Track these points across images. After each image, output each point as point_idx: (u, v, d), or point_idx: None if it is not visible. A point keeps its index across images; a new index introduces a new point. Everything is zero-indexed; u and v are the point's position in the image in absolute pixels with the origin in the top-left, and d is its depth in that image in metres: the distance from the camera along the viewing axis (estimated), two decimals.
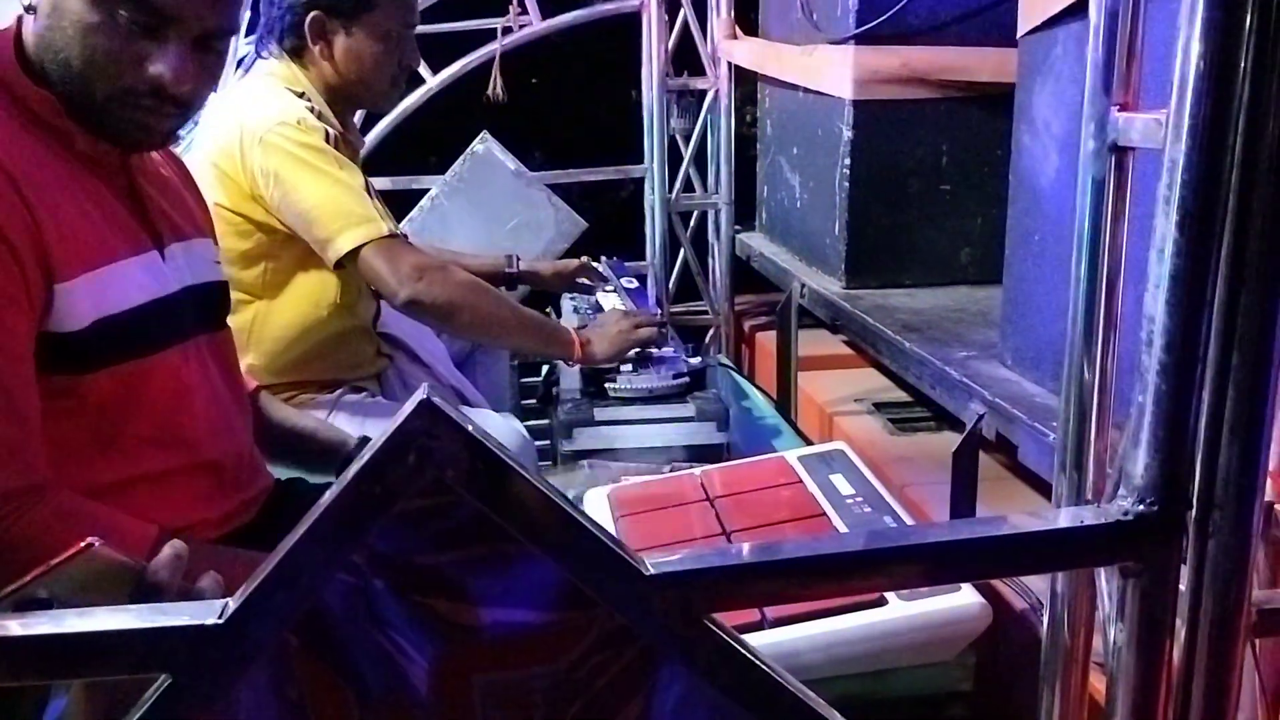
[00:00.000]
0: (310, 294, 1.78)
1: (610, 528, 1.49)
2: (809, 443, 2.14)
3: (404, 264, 1.65)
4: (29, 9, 1.04)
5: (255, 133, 1.63)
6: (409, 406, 0.56)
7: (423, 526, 0.58)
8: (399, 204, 2.72)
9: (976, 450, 1.38)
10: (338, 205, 1.64)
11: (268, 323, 1.76)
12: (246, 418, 1.31)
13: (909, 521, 1.37)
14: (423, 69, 2.70)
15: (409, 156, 2.93)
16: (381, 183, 2.73)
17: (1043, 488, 1.50)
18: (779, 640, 1.14)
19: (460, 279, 1.70)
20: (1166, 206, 0.60)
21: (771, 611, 1.17)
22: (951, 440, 2.13)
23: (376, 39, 1.74)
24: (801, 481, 1.51)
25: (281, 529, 0.57)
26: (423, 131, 3.19)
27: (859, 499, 1.44)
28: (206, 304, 1.25)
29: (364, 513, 0.57)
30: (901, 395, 2.30)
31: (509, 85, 2.74)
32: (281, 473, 1.44)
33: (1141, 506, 0.64)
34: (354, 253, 1.64)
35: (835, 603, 1.18)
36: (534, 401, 2.38)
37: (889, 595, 1.18)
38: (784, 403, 2.28)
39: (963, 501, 1.36)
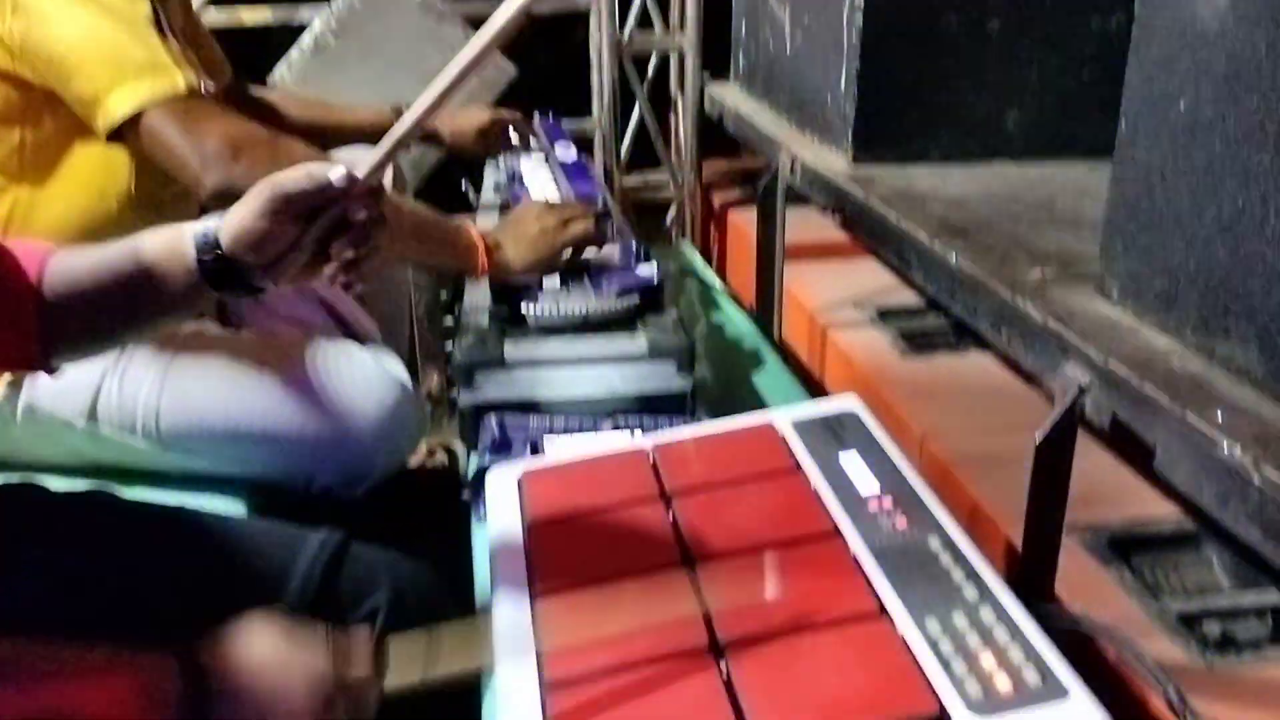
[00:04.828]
0: (92, 177, 1.25)
1: (517, 538, 1.00)
2: (798, 371, 1.66)
3: (211, 135, 1.12)
4: None
5: None
6: None
7: None
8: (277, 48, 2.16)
9: (1072, 443, 0.89)
10: (106, 46, 1.11)
11: (31, 218, 1.24)
12: None
13: (965, 546, 0.89)
14: None
15: None
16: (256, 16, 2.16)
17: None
18: None
19: (300, 159, 1.15)
20: None
21: None
22: (982, 366, 1.67)
23: None
24: (800, 469, 1.03)
25: None
26: None
27: (886, 501, 0.96)
28: None
29: None
30: (910, 297, 1.83)
31: None
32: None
33: None
34: (135, 120, 1.10)
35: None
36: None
37: (953, 707, 0.73)
38: (765, 316, 1.77)
39: (1048, 521, 0.87)
